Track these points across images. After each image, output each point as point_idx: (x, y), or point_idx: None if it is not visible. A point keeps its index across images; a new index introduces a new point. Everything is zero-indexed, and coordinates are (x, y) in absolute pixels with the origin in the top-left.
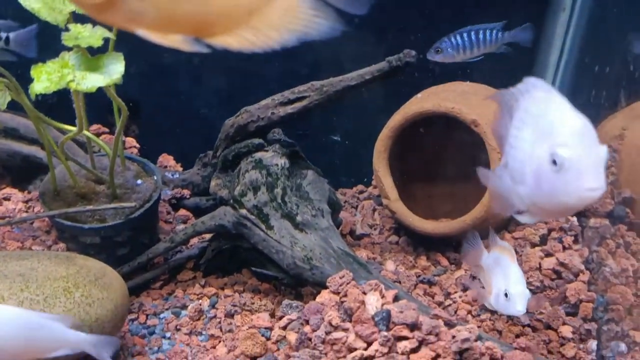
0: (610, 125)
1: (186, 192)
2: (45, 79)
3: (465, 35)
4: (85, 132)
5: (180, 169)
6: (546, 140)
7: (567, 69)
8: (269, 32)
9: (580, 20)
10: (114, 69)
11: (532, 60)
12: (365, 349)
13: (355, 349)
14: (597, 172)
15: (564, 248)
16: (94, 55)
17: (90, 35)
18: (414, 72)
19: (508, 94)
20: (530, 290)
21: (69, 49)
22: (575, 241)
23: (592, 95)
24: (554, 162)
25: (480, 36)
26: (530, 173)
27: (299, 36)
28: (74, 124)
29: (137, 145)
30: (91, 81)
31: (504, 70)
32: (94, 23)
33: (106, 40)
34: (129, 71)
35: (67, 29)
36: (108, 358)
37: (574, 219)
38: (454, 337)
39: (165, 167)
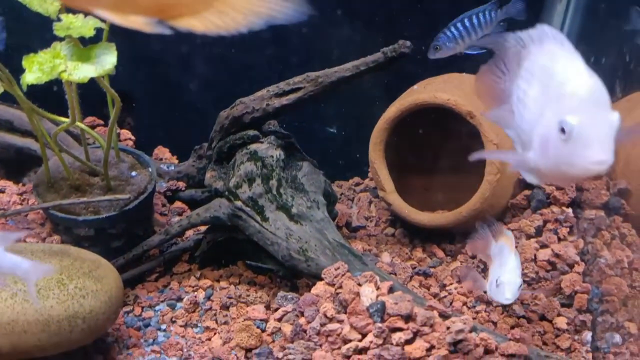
0: None
1: (181, 185)
2: (37, 69)
3: (459, 25)
4: (79, 124)
5: (176, 161)
6: (555, 103)
7: None
8: (234, 15)
9: (576, 11)
10: (106, 60)
11: None
12: (360, 340)
13: (350, 341)
14: (606, 144)
15: (559, 239)
16: (86, 46)
17: (82, 25)
18: (410, 63)
19: (515, 39)
20: (526, 281)
21: (61, 39)
22: (571, 232)
23: None
24: (562, 130)
25: (475, 21)
26: (537, 137)
27: (266, 20)
28: (67, 116)
29: (133, 138)
30: (83, 72)
31: None
32: (86, 14)
33: (99, 30)
34: (124, 63)
35: (59, 19)
36: (33, 286)
37: (570, 210)
38: (448, 328)
39: (161, 159)
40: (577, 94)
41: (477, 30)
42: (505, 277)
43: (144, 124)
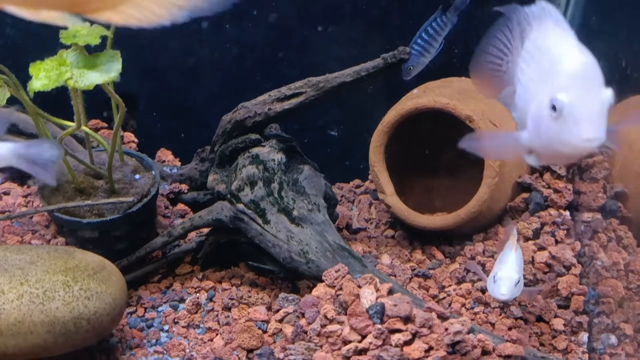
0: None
1: (184, 187)
2: (43, 76)
3: (419, 40)
4: (84, 128)
5: (179, 163)
6: (548, 81)
7: None
8: (154, 8)
9: (574, 15)
10: (112, 67)
11: None
12: (360, 342)
13: (350, 342)
14: (597, 121)
15: (557, 242)
16: (91, 53)
17: (87, 33)
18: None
19: (522, 13)
20: (524, 283)
21: (67, 47)
22: (568, 235)
23: None
24: (553, 108)
25: (431, 31)
26: (530, 116)
27: (190, 12)
28: (72, 120)
29: (136, 140)
30: (89, 79)
31: None
32: (92, 22)
33: (104, 37)
34: (128, 67)
35: (65, 28)
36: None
37: (567, 213)
38: (446, 329)
39: (164, 162)
40: (568, 71)
41: (437, 38)
42: (502, 272)
43: (147, 127)
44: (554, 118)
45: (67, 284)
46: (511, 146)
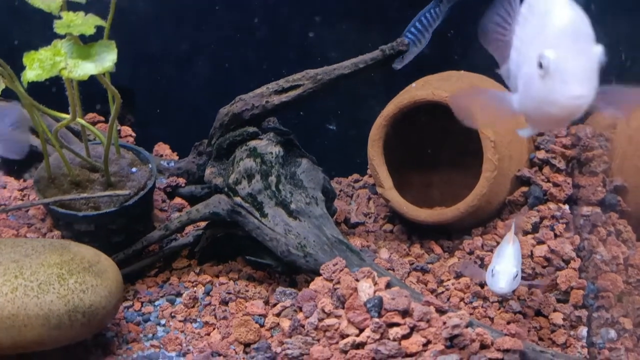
0: (603, 114)
1: (181, 181)
2: (37, 66)
3: (413, 29)
4: (80, 120)
5: (176, 157)
6: (537, 39)
7: None
8: None
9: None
10: (106, 57)
11: None
12: (358, 335)
13: (348, 335)
14: (585, 78)
15: (556, 236)
16: (86, 43)
17: (82, 23)
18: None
19: None
20: (522, 277)
21: (62, 37)
22: (567, 229)
23: None
24: (540, 65)
25: (425, 21)
26: (520, 77)
27: None
28: (68, 112)
29: (133, 134)
30: (83, 69)
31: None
32: (87, 11)
33: (100, 28)
34: (125, 59)
35: (59, 17)
36: None
37: (566, 207)
38: (444, 323)
39: (161, 155)
40: (556, 26)
41: (429, 29)
42: (500, 266)
43: (144, 121)
44: (541, 76)
45: (62, 277)
46: (502, 108)
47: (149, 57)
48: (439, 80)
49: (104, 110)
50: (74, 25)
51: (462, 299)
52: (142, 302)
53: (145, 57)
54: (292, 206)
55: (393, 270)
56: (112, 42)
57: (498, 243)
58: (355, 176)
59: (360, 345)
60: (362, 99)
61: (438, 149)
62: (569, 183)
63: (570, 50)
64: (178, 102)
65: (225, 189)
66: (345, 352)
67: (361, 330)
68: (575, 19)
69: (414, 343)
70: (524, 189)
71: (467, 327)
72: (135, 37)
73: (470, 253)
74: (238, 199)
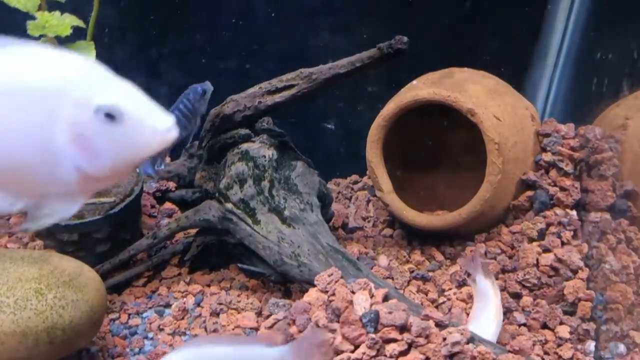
0: (613, 114)
1: (171, 185)
2: None
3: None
4: None
5: (168, 160)
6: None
7: (568, 55)
8: None
9: (582, 5)
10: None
11: (532, 47)
12: (353, 352)
13: (342, 352)
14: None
15: (563, 243)
16: (63, 45)
17: (58, 23)
18: (409, 57)
19: None
20: (527, 287)
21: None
22: (575, 236)
23: (594, 83)
24: (110, 117)
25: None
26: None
27: None
28: None
29: None
30: None
31: (505, 57)
32: (63, 10)
33: (76, 28)
34: (116, 59)
35: (33, 17)
36: None
37: (574, 212)
38: (444, 339)
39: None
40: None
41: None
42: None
43: None
44: (114, 127)
45: (40, 292)
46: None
47: (140, 56)
48: (441, 77)
49: None
50: (50, 26)
51: (464, 309)
52: (129, 314)
53: (136, 56)
54: (286, 212)
55: (392, 279)
56: (90, 42)
57: (502, 250)
58: (355, 177)
59: None
60: (362, 96)
61: (440, 149)
62: (576, 187)
63: (126, 91)
64: (170, 101)
65: (216, 195)
66: None
67: (356, 347)
68: (83, 61)
69: None
70: (530, 193)
71: (468, 343)
72: (127, 36)
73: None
74: (229, 205)
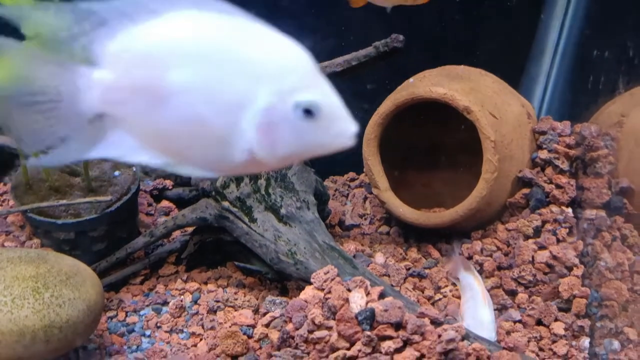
0: (609, 112)
1: (168, 183)
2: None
3: None
4: None
5: None
6: (256, 84)
7: (565, 53)
8: None
9: (578, 3)
10: None
11: (529, 43)
12: (348, 349)
13: (338, 349)
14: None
15: (558, 241)
16: None
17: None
18: (406, 55)
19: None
20: (523, 284)
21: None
22: (570, 233)
23: (591, 81)
24: (307, 112)
25: None
26: (255, 126)
27: None
28: None
29: None
30: None
31: (502, 55)
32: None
33: None
34: None
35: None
36: None
37: (569, 210)
38: (439, 336)
39: None
40: (298, 68)
41: None
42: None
43: None
44: (307, 122)
45: (38, 291)
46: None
47: None
48: (438, 75)
49: None
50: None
51: (460, 306)
52: (126, 312)
53: None
54: (283, 211)
55: (388, 276)
56: None
57: (498, 248)
58: (352, 174)
59: (351, 359)
60: (359, 94)
61: (437, 147)
62: (572, 185)
63: (325, 89)
64: None
65: (213, 193)
66: None
67: (352, 344)
68: (302, 52)
69: (407, 357)
70: (526, 190)
71: (463, 340)
72: None
73: (469, 258)
74: (226, 204)
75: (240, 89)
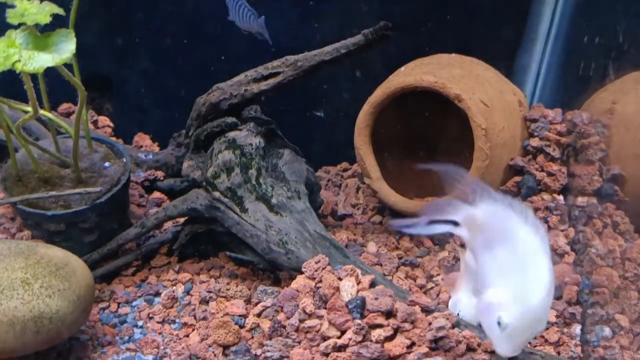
0: (600, 99)
1: (159, 174)
2: None
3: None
4: (45, 113)
5: (157, 148)
6: (506, 278)
7: (557, 40)
8: None
9: None
10: (65, 48)
11: (521, 31)
12: (339, 337)
13: (329, 337)
14: (523, 343)
15: (549, 228)
16: (43, 33)
17: (37, 12)
18: (396, 44)
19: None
20: None
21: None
22: (561, 221)
23: (582, 68)
24: (499, 323)
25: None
26: (481, 300)
27: None
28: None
29: (111, 125)
30: (39, 61)
31: (493, 42)
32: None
33: (58, 17)
34: (104, 46)
35: (12, 6)
36: None
37: (561, 197)
38: (430, 324)
39: (141, 147)
40: (529, 298)
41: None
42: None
43: (123, 110)
44: (496, 326)
45: (27, 282)
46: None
47: (129, 44)
48: (429, 64)
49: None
50: (29, 14)
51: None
52: (118, 303)
53: (125, 44)
54: (274, 200)
55: (380, 265)
56: (70, 30)
57: None
58: (344, 165)
59: (341, 348)
60: (351, 84)
61: (429, 135)
62: (563, 172)
63: (525, 318)
64: (159, 90)
65: (204, 183)
66: (327, 354)
67: (343, 332)
68: (548, 293)
69: (398, 345)
70: (517, 178)
71: (453, 327)
72: (114, 24)
73: (462, 246)
74: (217, 194)
75: None
